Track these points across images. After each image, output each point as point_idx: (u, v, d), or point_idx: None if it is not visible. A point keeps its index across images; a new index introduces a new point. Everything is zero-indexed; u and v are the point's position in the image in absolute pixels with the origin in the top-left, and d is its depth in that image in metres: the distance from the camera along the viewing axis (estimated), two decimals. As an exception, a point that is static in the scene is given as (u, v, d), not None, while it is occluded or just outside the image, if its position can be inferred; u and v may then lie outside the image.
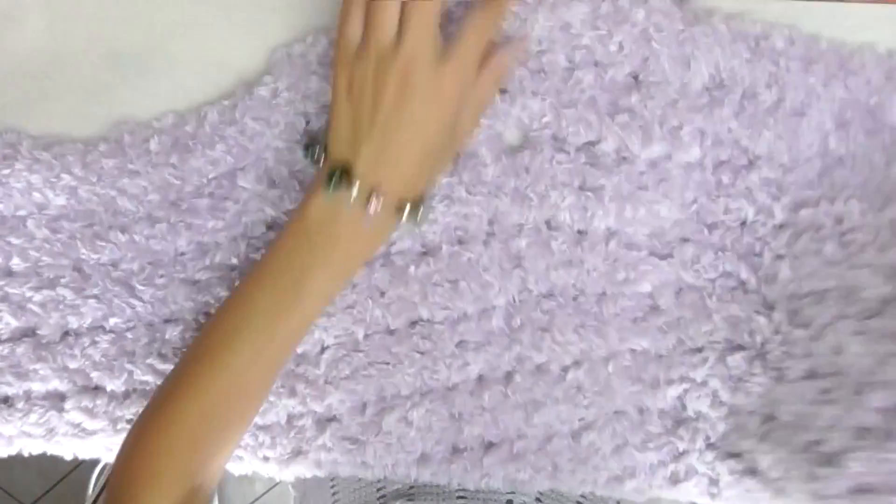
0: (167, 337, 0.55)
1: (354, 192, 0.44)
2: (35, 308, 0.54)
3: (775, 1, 0.50)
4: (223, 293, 0.55)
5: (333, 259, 0.46)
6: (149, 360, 0.56)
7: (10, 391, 0.56)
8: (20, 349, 0.55)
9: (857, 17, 0.50)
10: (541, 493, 0.60)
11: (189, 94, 0.53)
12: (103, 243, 0.54)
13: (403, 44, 0.43)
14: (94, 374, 0.55)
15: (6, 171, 0.52)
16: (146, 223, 0.54)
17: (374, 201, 0.45)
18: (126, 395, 0.57)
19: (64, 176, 0.52)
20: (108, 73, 0.53)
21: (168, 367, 0.55)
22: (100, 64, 0.53)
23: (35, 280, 0.54)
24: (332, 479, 0.68)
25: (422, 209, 0.47)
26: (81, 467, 1.68)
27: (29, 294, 0.54)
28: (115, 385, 0.56)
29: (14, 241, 0.54)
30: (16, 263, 0.54)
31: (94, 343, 0.55)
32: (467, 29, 0.45)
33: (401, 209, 0.46)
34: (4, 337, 0.55)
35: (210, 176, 0.53)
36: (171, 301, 0.55)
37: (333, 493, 0.67)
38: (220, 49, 0.53)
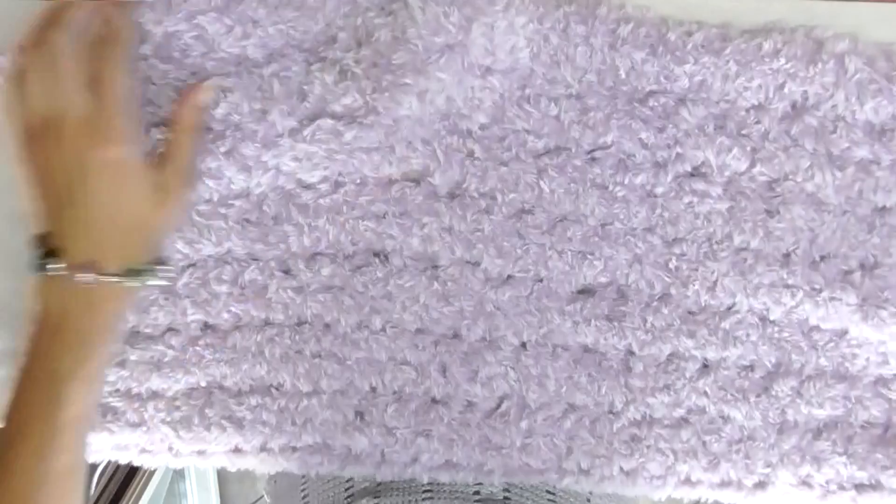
0: (568, 235, 0.55)
1: (60, 266, 0.46)
2: None
3: (778, 1, 0.51)
4: (638, 211, 0.54)
5: (79, 346, 0.47)
6: (545, 250, 0.55)
7: (390, 245, 0.55)
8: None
9: (858, 16, 0.51)
10: (508, 486, 0.61)
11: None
12: (530, 108, 0.53)
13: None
14: (478, 247, 0.55)
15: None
16: (577, 104, 0.53)
17: (84, 274, 0.46)
18: (502, 280, 0.56)
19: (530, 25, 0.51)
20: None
21: (557, 265, 0.55)
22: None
23: None
24: (302, 480, 0.68)
25: (150, 271, 0.50)
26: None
27: None
28: (492, 266, 0.56)
29: None
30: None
31: (486, 211, 0.54)
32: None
33: (126, 275, 0.48)
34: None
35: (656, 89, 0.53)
36: (579, 199, 0.54)
37: (304, 495, 0.68)
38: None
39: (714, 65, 0.51)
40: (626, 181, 0.53)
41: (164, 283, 0.53)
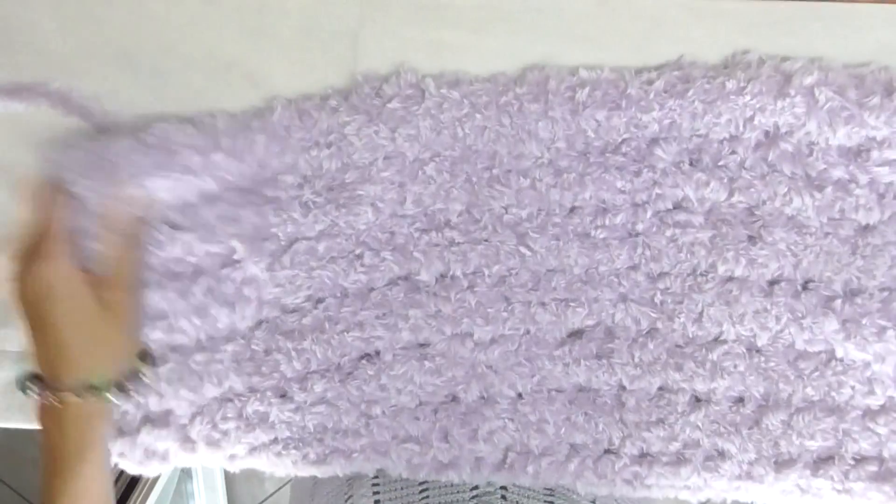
0: (552, 286, 0.55)
1: (33, 388, 0.49)
2: (418, 254, 0.54)
3: (784, 2, 0.51)
4: (620, 253, 0.54)
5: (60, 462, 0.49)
6: (530, 307, 0.55)
7: (380, 345, 0.56)
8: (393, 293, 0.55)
9: (863, 18, 0.51)
10: (504, 489, 0.61)
11: (200, 95, 0.54)
12: (502, 188, 0.54)
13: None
14: (465, 322, 0.55)
15: (415, 108, 0.52)
16: (549, 170, 0.53)
17: (39, 395, 0.49)
18: (492, 341, 0.56)
19: (476, 116, 0.52)
20: (119, 74, 0.53)
21: (544, 317, 0.55)
22: (111, 65, 0.53)
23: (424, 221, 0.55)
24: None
25: (107, 388, 0.50)
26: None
27: (416, 235, 0.55)
28: (483, 334, 0.56)
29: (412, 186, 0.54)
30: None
31: (470, 287, 0.55)
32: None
33: (87, 393, 0.49)
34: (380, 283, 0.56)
35: (627, 137, 0.53)
36: (562, 253, 0.54)
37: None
38: (231, 50, 0.53)
39: (680, 106, 0.51)
40: (606, 222, 0.53)
41: (124, 402, 0.54)
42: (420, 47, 0.52)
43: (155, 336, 0.55)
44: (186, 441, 0.57)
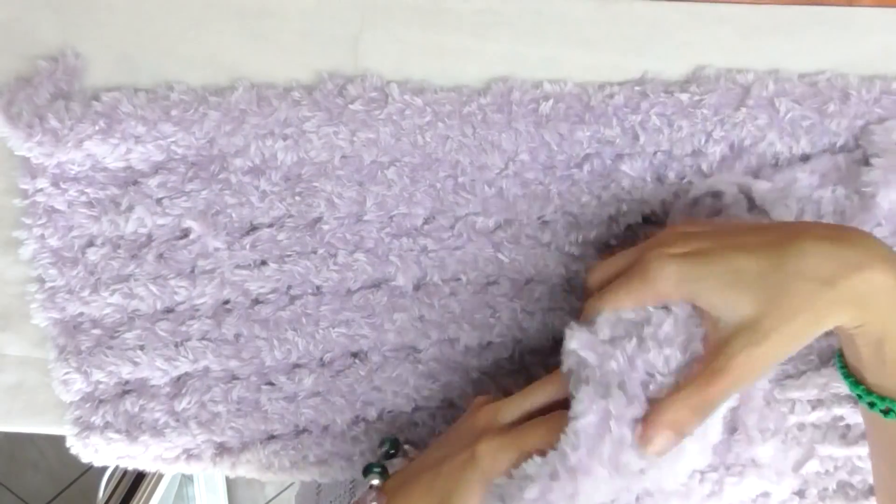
0: (535, 296, 0.55)
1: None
2: (394, 258, 0.54)
3: (785, 6, 0.51)
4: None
5: None
6: (512, 314, 0.55)
7: (365, 344, 0.56)
8: (375, 298, 0.55)
9: (865, 21, 0.51)
10: None
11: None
12: (468, 195, 0.53)
13: None
14: (452, 327, 0.55)
15: (377, 112, 0.52)
16: (515, 180, 0.53)
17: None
18: (482, 347, 0.56)
19: (438, 124, 0.52)
20: (120, 77, 0.53)
21: (531, 324, 0.55)
22: (112, 68, 0.53)
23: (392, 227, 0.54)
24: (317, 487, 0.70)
25: None
26: (91, 472, 1.69)
27: (387, 240, 0.54)
28: (470, 339, 0.56)
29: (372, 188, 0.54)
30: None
31: (452, 294, 0.55)
32: None
33: None
34: (356, 286, 0.55)
35: (591, 151, 0.53)
36: (540, 263, 0.54)
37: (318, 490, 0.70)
38: (231, 54, 0.53)
39: (641, 121, 0.51)
40: (580, 239, 0.54)
41: None
42: (421, 52, 0.53)
43: (113, 300, 0.54)
44: (173, 414, 0.56)
